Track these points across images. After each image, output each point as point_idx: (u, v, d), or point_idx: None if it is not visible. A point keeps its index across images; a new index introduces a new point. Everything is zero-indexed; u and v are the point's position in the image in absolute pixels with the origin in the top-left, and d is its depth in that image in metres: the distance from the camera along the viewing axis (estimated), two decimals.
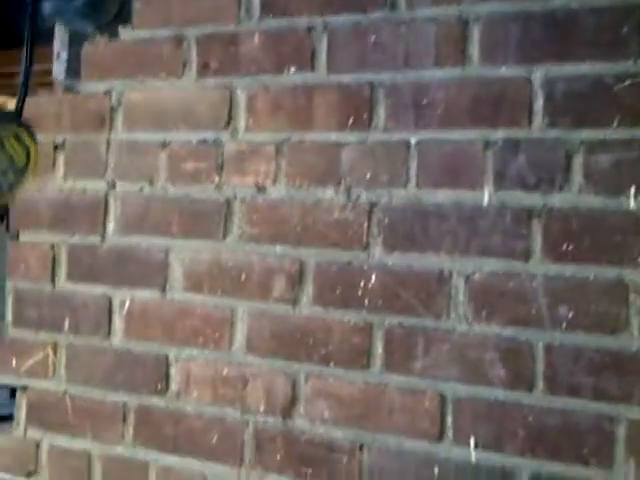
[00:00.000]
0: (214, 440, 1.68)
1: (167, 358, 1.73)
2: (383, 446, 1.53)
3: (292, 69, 1.62)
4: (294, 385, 1.61)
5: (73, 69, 1.88)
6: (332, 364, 1.58)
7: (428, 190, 1.51)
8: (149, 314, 1.76)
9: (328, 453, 1.58)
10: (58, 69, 1.91)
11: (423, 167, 1.52)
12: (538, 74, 1.43)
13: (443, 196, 1.50)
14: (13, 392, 1.98)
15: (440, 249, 1.50)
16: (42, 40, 2.00)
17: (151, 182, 1.75)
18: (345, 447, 1.56)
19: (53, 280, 1.86)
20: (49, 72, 1.92)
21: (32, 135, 0.80)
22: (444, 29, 1.50)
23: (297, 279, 1.61)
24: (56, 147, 1.84)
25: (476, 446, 1.46)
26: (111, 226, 1.80)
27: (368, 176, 1.56)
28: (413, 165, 1.52)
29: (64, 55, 1.91)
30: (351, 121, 1.57)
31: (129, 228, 1.78)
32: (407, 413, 1.52)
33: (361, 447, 1.55)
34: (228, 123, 1.68)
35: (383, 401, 1.54)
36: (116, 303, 1.79)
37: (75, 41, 1.88)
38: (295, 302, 1.61)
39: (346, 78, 1.57)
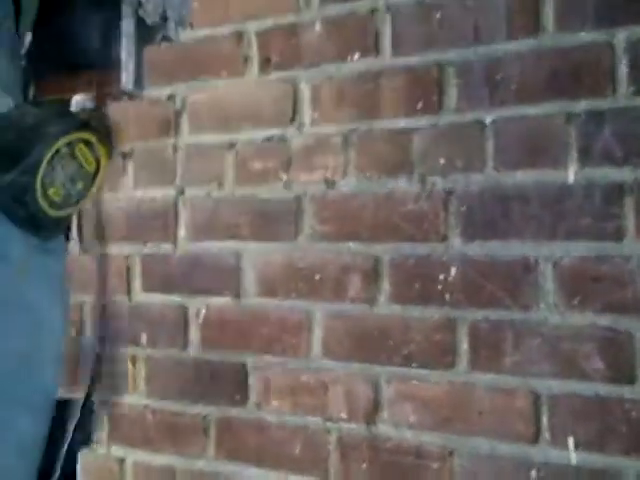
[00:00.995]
0: (297, 450, 1.60)
1: (245, 367, 1.67)
2: (474, 450, 1.43)
3: (356, 55, 1.54)
4: (376, 389, 1.52)
5: (141, 79, 1.86)
6: (415, 365, 1.48)
7: (507, 172, 1.41)
8: (225, 322, 1.70)
9: (416, 460, 1.48)
10: (126, 79, 1.89)
11: (500, 148, 1.41)
12: (620, 37, 1.31)
13: (524, 177, 1.39)
14: None
15: (524, 235, 1.39)
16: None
17: (219, 185, 1.70)
18: (434, 453, 1.46)
19: (129, 292, 1.82)
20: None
21: (103, 141, 0.76)
22: None
23: (373, 276, 1.53)
24: (125, 156, 1.82)
25: (576, 447, 1.33)
26: (182, 233, 1.75)
27: (442, 162, 1.46)
28: (489, 146, 1.42)
29: (131, 66, 1.89)
30: (420, 105, 1.48)
31: (200, 234, 1.73)
32: (498, 414, 1.41)
33: (451, 452, 1.45)
34: (293, 118, 1.61)
35: (472, 402, 1.43)
36: (192, 312, 1.74)
37: (142, 52, 1.86)
38: (372, 301, 1.53)
39: (413, 60, 1.49)
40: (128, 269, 1.82)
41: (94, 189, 0.79)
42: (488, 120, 1.42)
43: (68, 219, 0.79)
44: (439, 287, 1.46)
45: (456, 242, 1.45)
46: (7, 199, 0.73)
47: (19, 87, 0.80)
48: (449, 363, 1.45)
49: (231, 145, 1.69)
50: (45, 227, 0.77)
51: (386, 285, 1.51)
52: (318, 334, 1.58)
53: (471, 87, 1.43)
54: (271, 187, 1.64)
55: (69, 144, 0.75)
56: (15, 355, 0.77)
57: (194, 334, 1.73)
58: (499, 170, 1.41)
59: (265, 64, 1.64)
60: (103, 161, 0.79)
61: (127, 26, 1.92)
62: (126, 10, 1.91)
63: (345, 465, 1.55)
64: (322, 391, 1.58)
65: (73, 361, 1.87)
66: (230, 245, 1.69)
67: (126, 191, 1.83)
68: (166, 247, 1.77)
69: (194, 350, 1.73)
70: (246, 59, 1.67)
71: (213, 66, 1.70)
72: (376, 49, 1.52)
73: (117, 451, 1.84)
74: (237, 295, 1.68)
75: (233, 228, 1.68)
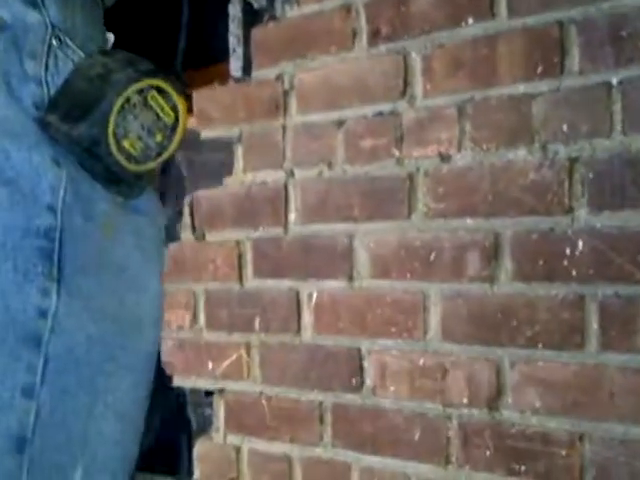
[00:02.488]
0: (416, 437, 1.54)
1: (360, 351, 1.61)
2: (606, 435, 1.33)
3: (470, 20, 1.46)
4: (499, 372, 1.44)
5: (250, 64, 1.83)
6: (540, 346, 1.40)
7: (637, 136, 1.30)
8: (338, 305, 1.65)
9: (543, 446, 1.39)
10: (235, 65, 1.87)
11: (629, 110, 1.31)
12: None
13: None
14: None
15: None
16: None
17: (329, 165, 1.65)
18: (562, 439, 1.37)
19: (241, 278, 1.80)
20: None
21: (178, 88, 0.72)
22: None
23: (493, 254, 1.45)
24: (233, 140, 1.80)
25: None
26: (293, 216, 1.71)
27: (565, 128, 1.37)
28: (617, 109, 1.32)
29: (239, 51, 1.87)
30: (540, 68, 1.39)
31: (311, 216, 1.69)
32: (632, 396, 1.31)
33: (581, 438, 1.35)
34: (404, 91, 1.55)
35: (603, 384, 1.33)
36: (304, 296, 1.70)
37: (249, 37, 1.83)
38: (493, 279, 1.45)
39: (531, 20, 1.40)
40: (240, 255, 1.80)
41: (176, 141, 0.74)
42: (615, 81, 1.32)
43: (151, 174, 0.74)
44: (565, 262, 1.37)
45: (582, 213, 1.36)
46: (81, 152, 0.70)
47: (96, 45, 0.77)
48: (578, 343, 1.36)
49: (340, 123, 1.64)
50: (125, 182, 0.73)
51: (507, 262, 1.43)
52: (436, 315, 1.51)
53: (595, 46, 1.34)
54: (383, 164, 1.58)
55: (140, 92, 0.71)
56: (109, 317, 0.73)
57: (307, 318, 1.69)
58: (628, 134, 1.31)
59: (374, 36, 1.58)
60: (181, 110, 0.74)
61: (234, 11, 1.90)
62: None
63: (467, 452, 1.48)
64: (441, 375, 1.51)
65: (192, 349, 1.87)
66: (342, 227, 1.64)
67: (236, 175, 1.80)
68: (277, 231, 1.74)
69: (307, 335, 1.69)
70: (354, 32, 1.61)
71: (321, 42, 1.66)
72: (491, 11, 1.44)
73: (233, 439, 1.82)
74: (350, 277, 1.63)
75: (345, 209, 1.63)
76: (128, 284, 0.76)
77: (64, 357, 0.71)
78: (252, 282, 1.78)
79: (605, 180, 1.33)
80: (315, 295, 1.68)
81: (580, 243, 1.36)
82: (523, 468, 1.40)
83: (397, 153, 1.56)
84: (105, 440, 0.75)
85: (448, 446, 1.50)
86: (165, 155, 0.75)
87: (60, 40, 0.73)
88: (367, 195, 1.60)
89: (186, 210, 1.88)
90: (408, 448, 1.55)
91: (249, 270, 1.79)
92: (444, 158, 1.50)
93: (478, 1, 1.45)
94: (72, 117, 0.69)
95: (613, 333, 1.32)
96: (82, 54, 0.73)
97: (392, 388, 1.57)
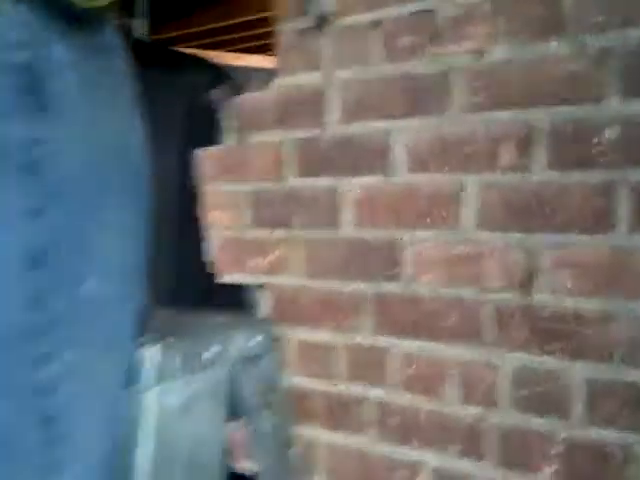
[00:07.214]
0: (453, 322, 1.63)
1: (398, 243, 1.69)
2: (634, 314, 1.41)
3: None
4: (532, 257, 1.52)
5: None
6: (572, 231, 1.47)
7: None
8: (376, 200, 1.72)
9: (575, 326, 1.48)
10: None
11: None
12: None
13: None
14: None
15: None
16: None
17: (366, 65, 1.70)
18: (593, 318, 1.46)
19: (282, 178, 1.87)
20: None
21: None
22: None
23: (527, 144, 1.51)
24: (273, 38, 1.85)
25: None
26: (332, 116, 1.77)
27: (598, 19, 1.41)
28: None
29: None
30: None
31: (349, 115, 1.75)
32: None
33: (611, 317, 1.43)
34: None
35: (632, 265, 1.41)
36: (344, 193, 1.77)
37: None
38: (527, 169, 1.51)
39: None
40: (281, 155, 1.87)
41: None
42: None
43: (107, 9, 0.79)
44: (598, 149, 1.43)
45: (613, 102, 1.41)
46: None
47: None
48: (609, 227, 1.43)
49: (377, 23, 1.68)
50: (83, 19, 0.77)
51: (542, 151, 1.49)
52: (471, 205, 1.58)
53: None
54: (420, 62, 1.63)
55: None
56: (101, 144, 0.80)
57: (347, 214, 1.77)
58: None
59: None
60: None
61: None
62: None
63: (501, 334, 1.56)
64: (476, 262, 1.58)
65: (237, 247, 1.95)
66: (380, 124, 1.70)
67: (276, 79, 1.86)
68: (316, 131, 1.80)
69: (348, 230, 1.77)
70: None
71: None
72: None
73: (277, 331, 1.91)
74: (388, 173, 1.69)
75: (382, 107, 1.69)
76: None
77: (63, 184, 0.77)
78: (293, 181, 1.86)
79: (636, 68, 1.38)
80: (355, 191, 1.75)
81: (612, 130, 1.41)
82: (556, 347, 1.49)
83: (433, 50, 1.61)
84: (115, 251, 0.83)
85: (483, 329, 1.59)
86: None
87: None
88: (403, 93, 1.66)
89: (229, 114, 1.95)
90: (445, 333, 1.64)
91: (290, 170, 1.86)
92: (479, 53, 1.55)
93: None
94: None
95: None
96: None
97: (430, 276, 1.65)
